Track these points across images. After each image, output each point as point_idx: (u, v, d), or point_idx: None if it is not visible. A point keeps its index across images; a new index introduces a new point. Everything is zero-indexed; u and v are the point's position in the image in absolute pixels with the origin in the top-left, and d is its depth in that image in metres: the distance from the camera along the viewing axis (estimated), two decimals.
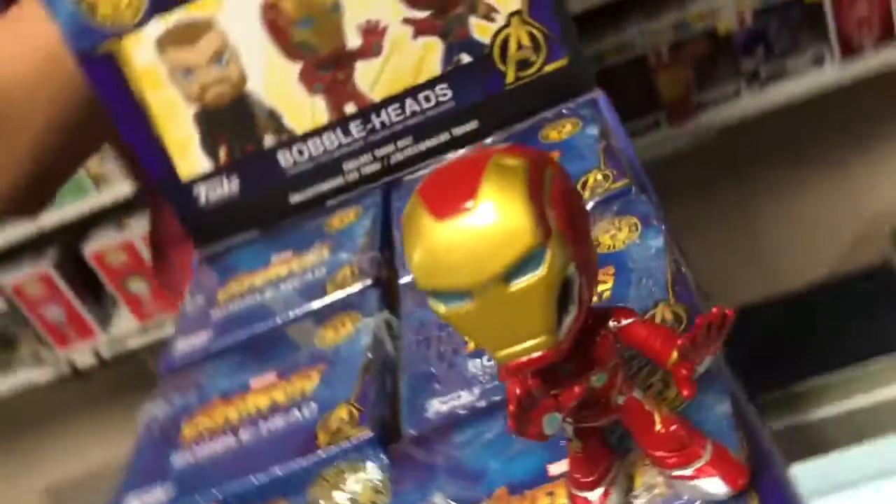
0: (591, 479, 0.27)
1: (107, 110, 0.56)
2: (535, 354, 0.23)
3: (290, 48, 0.54)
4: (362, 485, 0.36)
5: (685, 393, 0.24)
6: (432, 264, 0.22)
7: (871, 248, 1.51)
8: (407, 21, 0.54)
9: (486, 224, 0.22)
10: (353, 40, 0.54)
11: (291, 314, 0.49)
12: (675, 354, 0.24)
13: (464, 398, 0.37)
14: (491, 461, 0.32)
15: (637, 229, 0.42)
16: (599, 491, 0.27)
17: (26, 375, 1.69)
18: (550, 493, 0.30)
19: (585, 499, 0.28)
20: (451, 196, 0.22)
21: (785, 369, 1.16)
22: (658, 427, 0.26)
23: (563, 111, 0.56)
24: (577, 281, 0.23)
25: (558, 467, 0.30)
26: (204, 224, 0.60)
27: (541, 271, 0.22)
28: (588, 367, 0.25)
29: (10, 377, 1.69)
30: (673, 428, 0.26)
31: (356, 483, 0.36)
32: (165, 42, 0.53)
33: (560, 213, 0.23)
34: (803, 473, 0.78)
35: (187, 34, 0.53)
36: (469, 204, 0.22)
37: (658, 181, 0.53)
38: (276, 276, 0.53)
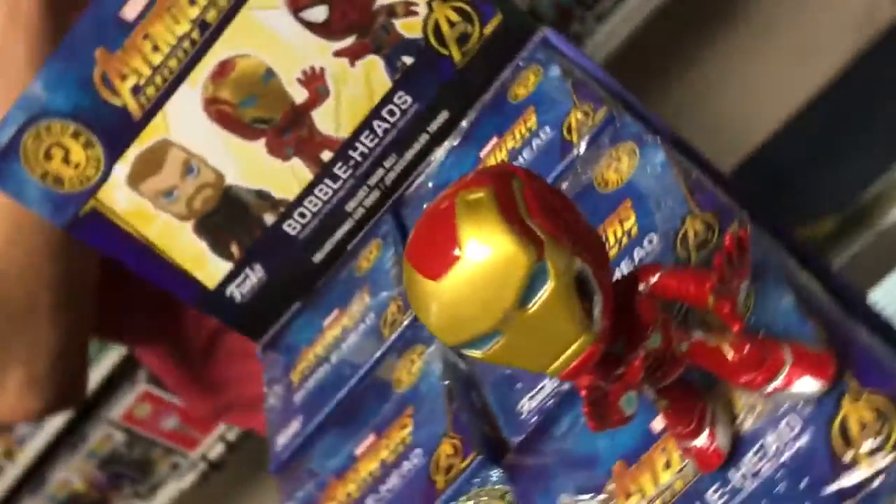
0: (690, 427, 0.27)
1: (116, 262, 0.57)
2: (581, 357, 0.23)
3: (246, 130, 0.54)
4: None
5: (735, 328, 0.24)
6: (449, 322, 0.23)
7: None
8: (338, 54, 0.53)
9: (480, 265, 0.22)
10: (299, 95, 0.54)
11: (362, 370, 0.49)
12: (710, 299, 0.24)
13: (547, 387, 0.37)
14: (597, 441, 0.32)
15: (636, 153, 0.41)
16: (704, 434, 0.27)
17: (173, 487, 1.76)
18: (663, 450, 0.30)
19: (695, 447, 0.28)
20: (436, 253, 0.22)
21: (817, 199, 1.13)
22: (730, 356, 0.26)
23: (520, 64, 0.55)
24: (589, 269, 0.23)
25: (659, 422, 0.30)
26: (249, 318, 0.61)
27: (550, 284, 0.22)
28: (639, 335, 0.25)
29: (160, 495, 1.76)
30: (746, 350, 0.26)
31: None
32: (136, 179, 0.54)
33: (543, 219, 0.23)
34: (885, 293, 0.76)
35: (151, 163, 0.54)
36: (456, 253, 0.22)
37: None
38: (333, 339, 0.54)
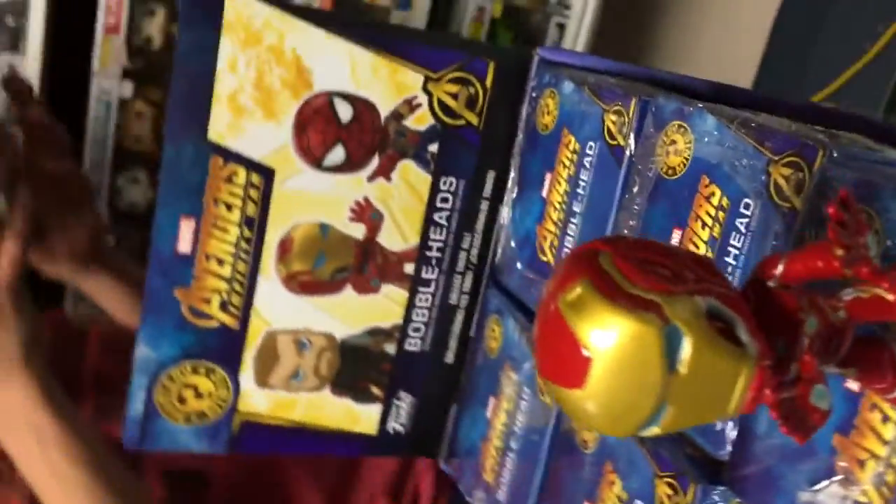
0: (887, 379, 0.26)
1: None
2: (754, 385, 0.22)
3: (330, 286, 0.56)
4: None
5: (885, 285, 0.23)
6: (612, 420, 0.22)
7: None
8: (372, 178, 0.54)
9: (614, 355, 0.22)
10: (358, 231, 0.55)
11: (545, 447, 0.49)
12: (846, 271, 0.23)
13: None
14: None
15: (686, 128, 0.40)
16: None
17: None
18: (873, 406, 0.29)
19: None
20: (567, 363, 0.22)
21: None
22: (890, 297, 0.25)
23: (533, 95, 0.55)
24: (715, 300, 0.23)
25: (852, 382, 0.29)
26: (420, 442, 0.61)
27: (687, 339, 0.22)
28: (793, 328, 0.24)
29: None
30: None
31: None
32: (262, 378, 0.56)
33: (646, 280, 0.22)
34: None
35: (268, 358, 0.56)
36: (586, 354, 0.22)
37: None
38: (503, 427, 0.54)
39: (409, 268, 0.57)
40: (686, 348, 0.22)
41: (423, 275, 0.57)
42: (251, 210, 0.52)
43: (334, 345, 0.57)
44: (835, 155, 0.32)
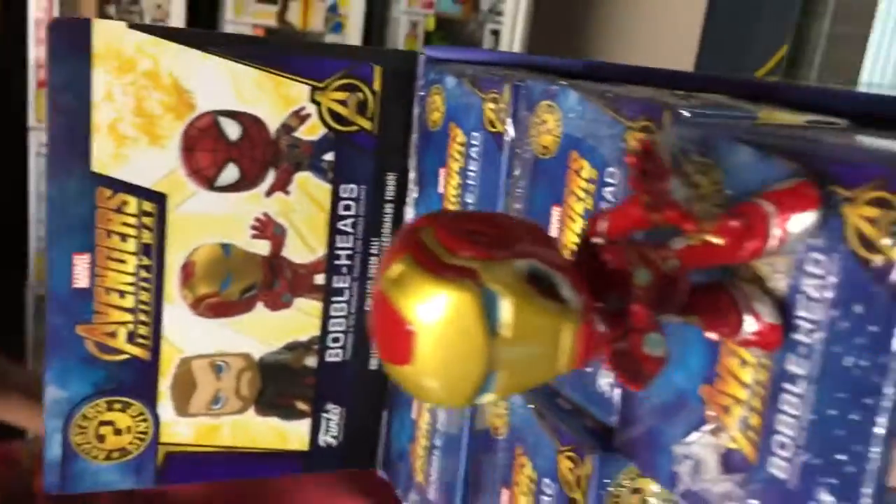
0: (731, 322, 0.27)
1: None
2: (580, 340, 0.22)
3: (240, 306, 0.55)
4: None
5: (688, 227, 0.23)
6: (446, 391, 0.22)
7: None
8: (269, 193, 0.54)
9: (435, 326, 0.22)
10: (262, 247, 0.55)
11: (464, 439, 0.49)
12: (653, 216, 0.23)
13: None
14: (675, 380, 0.31)
15: (553, 107, 0.41)
16: (749, 319, 0.27)
17: None
18: (732, 352, 0.29)
19: (750, 335, 0.27)
20: (395, 340, 0.22)
21: None
22: (719, 241, 0.25)
23: (421, 94, 0.55)
24: (535, 261, 0.23)
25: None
26: (354, 453, 0.61)
27: (504, 301, 0.22)
28: (624, 281, 0.25)
29: None
30: (729, 227, 0.25)
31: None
32: (182, 406, 0.55)
33: (464, 249, 0.22)
34: None
35: (185, 385, 0.55)
36: (410, 329, 0.22)
37: None
38: (427, 426, 0.54)
39: (319, 279, 0.57)
40: (505, 310, 0.22)
41: (335, 284, 0.57)
42: (147, 238, 0.51)
43: (253, 364, 0.57)
44: (684, 115, 0.32)
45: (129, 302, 0.52)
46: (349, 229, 0.57)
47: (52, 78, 0.47)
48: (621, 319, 0.24)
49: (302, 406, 0.59)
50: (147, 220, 0.51)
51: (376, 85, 0.55)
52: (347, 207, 0.56)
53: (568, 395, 0.40)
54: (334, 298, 0.58)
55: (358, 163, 0.56)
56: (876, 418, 0.24)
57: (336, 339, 0.58)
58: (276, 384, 0.58)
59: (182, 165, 0.51)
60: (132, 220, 0.51)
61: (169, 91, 0.50)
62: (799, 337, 0.26)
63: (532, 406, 0.42)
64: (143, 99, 0.49)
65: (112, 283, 0.51)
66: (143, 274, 0.52)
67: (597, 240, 0.25)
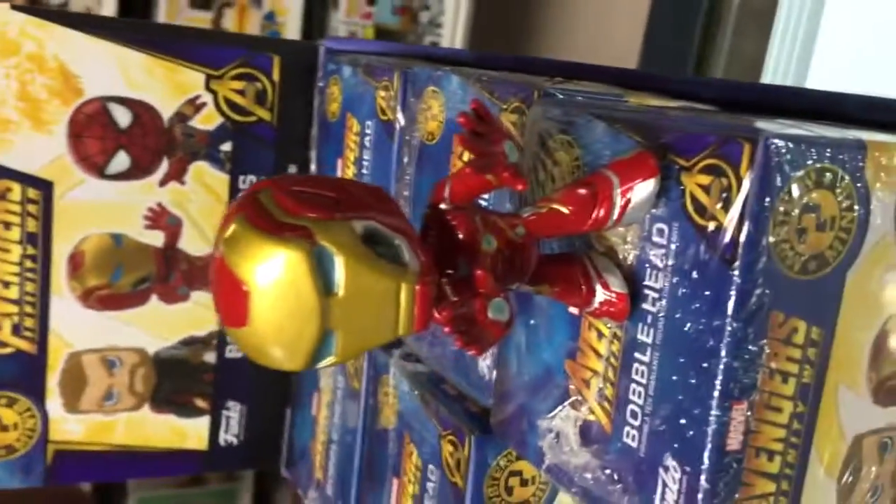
0: (583, 292, 0.27)
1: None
2: (418, 300, 0.22)
3: (133, 298, 0.54)
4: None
5: (519, 187, 0.24)
6: (285, 351, 0.22)
7: None
8: (163, 182, 0.53)
9: (269, 285, 0.22)
10: (156, 238, 0.54)
11: (359, 432, 0.49)
12: (488, 176, 0.23)
13: None
14: (543, 356, 0.32)
15: (437, 92, 0.41)
16: (598, 289, 0.27)
17: None
18: (590, 326, 0.29)
19: (600, 306, 0.27)
20: (231, 301, 0.22)
21: None
22: (566, 209, 0.26)
23: (320, 85, 0.55)
24: (374, 223, 0.23)
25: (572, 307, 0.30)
26: (257, 452, 0.60)
27: (338, 259, 0.22)
28: (470, 247, 0.25)
29: None
30: (574, 196, 0.26)
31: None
32: (72, 403, 0.54)
33: (301, 209, 0.22)
34: None
35: (75, 380, 0.54)
36: (245, 289, 0.22)
37: None
38: (325, 421, 0.53)
39: None
40: (339, 269, 0.22)
41: None
42: (32, 226, 0.50)
43: (147, 359, 0.56)
44: (549, 94, 0.33)
45: (13, 293, 0.51)
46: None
47: None
48: (469, 285, 0.24)
49: (200, 403, 0.58)
50: (32, 208, 0.50)
51: (275, 75, 0.55)
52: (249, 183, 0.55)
53: (453, 380, 0.40)
54: None
55: (257, 153, 0.55)
56: (714, 381, 0.24)
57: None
58: (172, 380, 0.57)
59: (69, 152, 0.50)
60: (16, 208, 0.49)
61: (55, 75, 0.49)
62: (646, 306, 0.27)
63: (417, 392, 0.41)
64: (26, 83, 0.48)
65: None
66: (29, 264, 0.51)
67: (443, 205, 0.25)
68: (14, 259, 0.50)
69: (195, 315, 0.56)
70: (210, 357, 0.57)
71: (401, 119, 0.45)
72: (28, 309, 0.51)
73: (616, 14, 1.44)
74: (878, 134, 0.27)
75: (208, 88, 0.53)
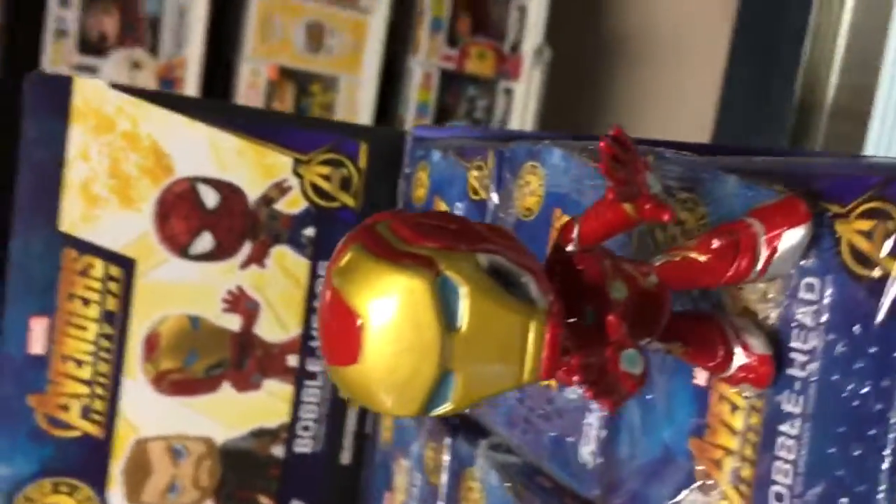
0: (720, 355, 0.24)
1: None
2: (546, 341, 0.20)
3: (205, 384, 0.52)
4: None
5: (666, 218, 0.21)
6: (398, 393, 0.20)
7: None
8: (244, 265, 0.52)
9: (387, 317, 0.19)
10: (233, 322, 0.52)
11: None
12: (627, 207, 0.21)
13: (591, 423, 0.33)
14: (662, 436, 0.29)
15: (536, 167, 0.40)
16: (738, 352, 0.24)
17: None
18: (721, 397, 0.26)
19: (739, 371, 0.24)
20: (343, 336, 0.20)
21: None
22: (703, 258, 0.23)
23: (407, 171, 0.54)
24: (501, 257, 0.21)
25: (700, 376, 0.27)
26: None
27: (463, 289, 0.20)
28: (600, 293, 0.22)
29: None
30: (713, 244, 0.23)
31: None
32: (134, 494, 0.51)
33: (423, 239, 0.20)
34: None
35: (139, 469, 0.51)
36: (359, 323, 0.20)
37: None
38: None
39: (292, 360, 0.54)
40: (463, 301, 0.20)
41: (309, 367, 0.54)
42: (111, 304, 0.49)
43: (214, 450, 0.53)
44: (666, 154, 0.31)
45: (86, 373, 0.49)
46: None
47: (26, 132, 0.46)
48: (595, 335, 0.22)
49: (264, 500, 0.55)
50: (112, 286, 0.49)
51: (361, 162, 0.54)
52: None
53: (548, 469, 0.37)
54: (307, 382, 0.55)
55: (339, 239, 0.54)
56: (882, 452, 0.21)
57: (306, 428, 0.55)
58: (237, 474, 0.54)
59: (155, 230, 0.50)
60: (96, 285, 0.49)
61: (147, 154, 0.49)
62: (792, 372, 0.24)
63: (509, 485, 0.38)
64: (119, 160, 0.48)
65: (70, 351, 0.49)
66: (104, 343, 0.49)
67: (570, 248, 0.23)
68: (90, 337, 0.49)
69: (267, 405, 0.54)
70: (278, 451, 0.55)
71: (494, 198, 0.44)
72: (99, 391, 0.50)
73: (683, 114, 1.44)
74: None
75: (295, 172, 0.53)
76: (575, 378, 0.21)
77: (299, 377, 0.54)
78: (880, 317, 0.21)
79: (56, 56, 1.34)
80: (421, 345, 0.19)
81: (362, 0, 1.48)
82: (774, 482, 0.24)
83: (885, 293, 0.21)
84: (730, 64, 1.30)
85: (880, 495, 0.21)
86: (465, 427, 0.44)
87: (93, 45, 1.37)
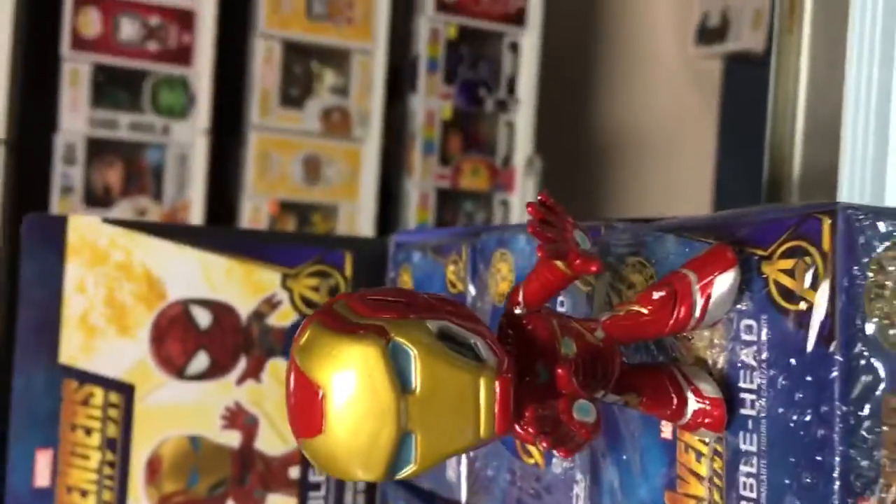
0: (674, 402, 0.25)
1: None
2: (498, 396, 0.21)
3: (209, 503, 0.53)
4: None
5: (594, 269, 0.23)
6: (363, 456, 0.21)
7: None
8: (241, 381, 0.54)
9: (345, 386, 0.21)
10: (233, 439, 0.53)
11: None
12: (559, 264, 0.23)
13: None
14: (640, 494, 0.29)
15: (506, 254, 0.42)
16: (691, 398, 0.25)
17: None
18: (686, 448, 0.27)
19: (694, 416, 0.25)
20: (306, 409, 0.21)
21: None
22: (646, 310, 0.25)
23: (391, 275, 0.56)
24: (450, 323, 0.22)
25: (666, 429, 0.28)
26: None
27: (413, 352, 0.21)
28: (549, 351, 0.24)
29: None
30: (654, 297, 0.25)
31: None
32: None
33: (376, 311, 0.22)
34: None
35: None
36: (320, 394, 0.21)
37: None
38: None
39: (294, 472, 0.55)
40: (414, 364, 0.21)
41: (311, 478, 0.55)
42: (112, 431, 0.50)
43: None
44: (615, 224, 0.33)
45: (91, 502, 0.50)
46: None
47: (24, 272, 0.49)
48: (549, 391, 0.23)
49: None
50: (113, 413, 0.50)
51: (348, 271, 0.57)
52: None
53: None
54: (311, 493, 0.55)
55: None
56: (832, 474, 0.22)
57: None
58: None
59: (151, 355, 0.51)
60: (97, 413, 0.50)
61: (140, 281, 0.51)
62: (745, 411, 0.25)
63: None
64: (114, 290, 0.51)
65: (74, 482, 0.49)
66: (107, 471, 0.50)
67: (518, 310, 0.24)
68: (93, 466, 0.50)
69: None
70: None
71: (471, 290, 0.45)
72: None
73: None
74: None
75: (284, 286, 0.55)
76: (531, 430, 0.22)
77: (302, 489, 0.55)
78: (810, 346, 0.23)
79: (63, 211, 1.39)
80: (379, 409, 0.21)
81: (355, 130, 1.54)
82: None
83: (811, 324, 0.23)
84: (719, 152, 1.34)
85: None
86: None
87: (98, 198, 1.42)
